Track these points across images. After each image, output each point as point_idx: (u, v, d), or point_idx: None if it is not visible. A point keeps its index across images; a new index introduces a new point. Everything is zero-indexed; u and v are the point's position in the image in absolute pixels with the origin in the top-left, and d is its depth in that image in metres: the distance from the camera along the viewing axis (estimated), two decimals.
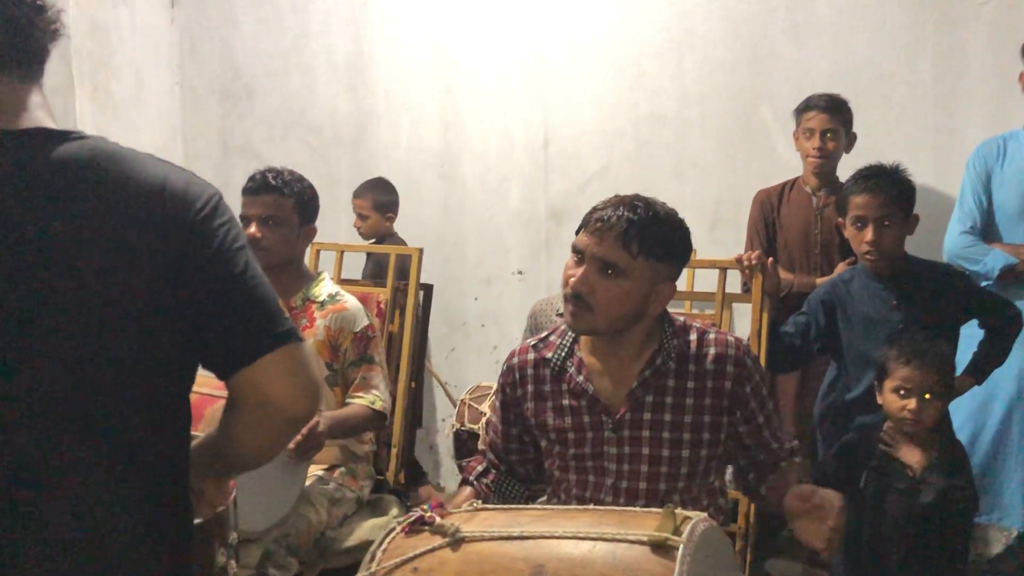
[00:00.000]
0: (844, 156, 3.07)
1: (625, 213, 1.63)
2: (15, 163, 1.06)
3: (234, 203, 4.45)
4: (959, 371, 2.34)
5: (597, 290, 1.63)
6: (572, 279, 1.65)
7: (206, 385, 2.01)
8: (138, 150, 1.13)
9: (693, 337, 1.73)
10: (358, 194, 3.91)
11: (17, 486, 1.04)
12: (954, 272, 2.51)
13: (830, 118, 2.99)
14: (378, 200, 3.87)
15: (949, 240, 2.84)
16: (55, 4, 1.17)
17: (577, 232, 1.69)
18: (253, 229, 2.27)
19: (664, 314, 1.74)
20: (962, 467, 2.08)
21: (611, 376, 1.72)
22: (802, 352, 2.45)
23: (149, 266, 1.07)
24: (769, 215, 3.14)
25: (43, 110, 1.14)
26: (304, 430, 2.00)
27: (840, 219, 2.40)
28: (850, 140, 3.07)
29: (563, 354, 1.77)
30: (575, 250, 1.67)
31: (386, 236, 3.87)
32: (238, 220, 1.18)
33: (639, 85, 3.74)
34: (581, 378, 1.73)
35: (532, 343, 1.83)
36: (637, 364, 1.70)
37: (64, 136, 1.09)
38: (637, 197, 1.68)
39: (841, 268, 2.98)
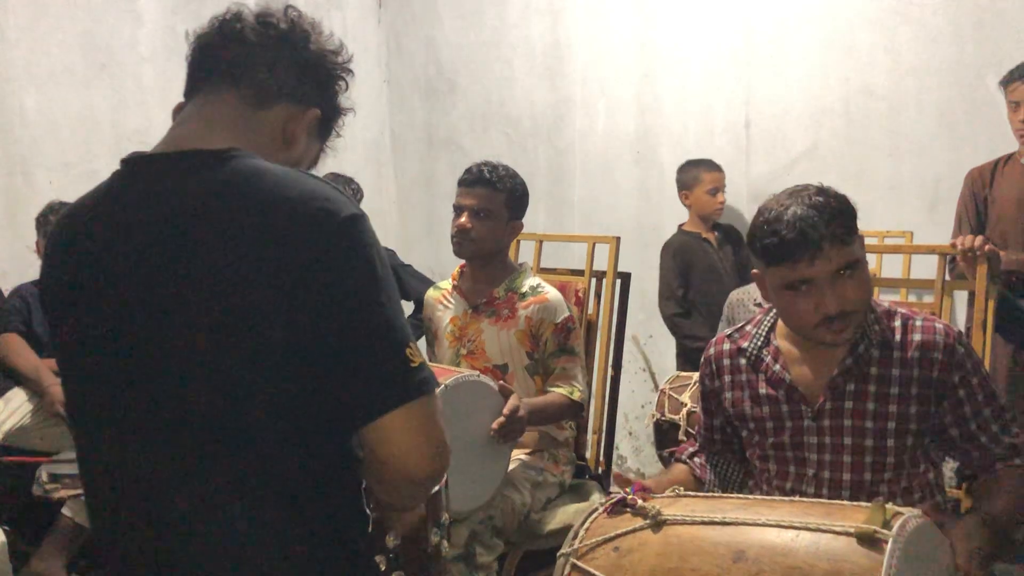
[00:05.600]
0: None
1: (811, 212, 1.54)
2: (152, 188, 1.07)
3: (438, 193, 4.61)
4: None
5: (848, 295, 1.57)
6: (824, 306, 1.55)
7: None
8: (284, 167, 1.08)
9: (898, 323, 1.66)
10: (716, 169, 3.66)
11: (158, 517, 1.06)
12: None
13: None
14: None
15: None
16: (330, 48, 1.21)
17: (771, 260, 1.57)
18: (464, 219, 2.37)
19: None
20: None
21: (810, 364, 1.68)
22: None
23: (279, 289, 0.99)
24: (980, 192, 2.97)
25: (242, 133, 1.13)
26: (506, 411, 2.08)
27: None
28: None
29: (759, 343, 1.74)
30: (799, 282, 1.56)
31: None
32: (380, 248, 1.06)
33: (849, 58, 3.55)
34: (778, 367, 1.70)
35: (728, 333, 1.82)
36: (838, 352, 1.65)
37: (215, 157, 1.06)
38: (812, 192, 1.58)
39: None
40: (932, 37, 3.36)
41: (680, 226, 3.72)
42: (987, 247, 2.14)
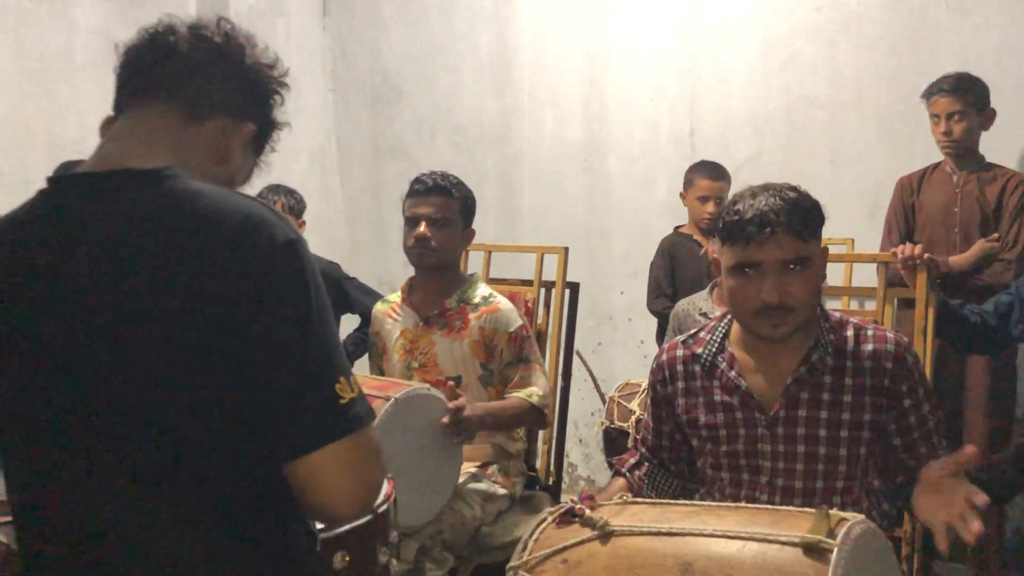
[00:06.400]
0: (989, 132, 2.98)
1: (776, 201, 1.58)
2: (83, 210, 1.02)
3: (386, 202, 4.55)
4: None
5: (791, 289, 1.60)
6: (765, 293, 1.58)
7: (363, 385, 2.11)
8: (219, 187, 1.04)
9: (850, 333, 1.69)
10: (715, 177, 3.44)
11: (94, 543, 1.02)
12: None
13: (953, 100, 2.92)
14: (730, 182, 3.48)
15: None
16: (261, 57, 1.17)
17: (727, 238, 1.61)
18: (423, 228, 2.34)
19: (821, 309, 1.71)
20: None
21: (764, 372, 1.69)
22: (996, 335, 2.28)
23: (215, 315, 0.96)
24: (909, 199, 3.09)
25: (175, 149, 1.09)
26: (451, 404, 2.05)
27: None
28: (987, 117, 2.96)
29: (713, 350, 1.75)
30: (748, 265, 1.60)
31: None
32: (317, 275, 1.02)
33: (790, 68, 3.62)
34: (733, 374, 1.71)
35: (681, 339, 1.82)
36: (792, 360, 1.67)
37: (148, 177, 1.02)
38: (785, 187, 1.63)
39: (980, 246, 2.90)
40: (870, 47, 3.44)
41: (677, 227, 3.66)
42: (926, 255, 2.19)
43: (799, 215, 1.59)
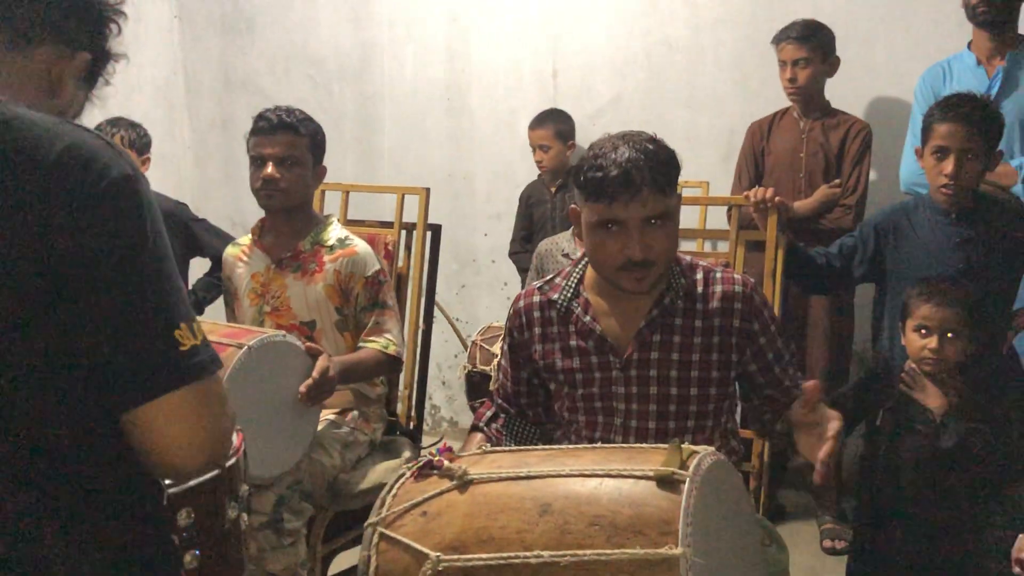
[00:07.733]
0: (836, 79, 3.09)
1: (639, 156, 1.57)
2: None
3: (236, 138, 4.33)
4: None
5: (654, 244, 1.60)
6: (629, 249, 1.59)
7: (214, 332, 2.01)
8: (48, 116, 0.95)
9: (700, 276, 1.73)
10: (535, 125, 3.59)
11: None
12: None
13: (799, 47, 3.00)
14: (559, 128, 3.54)
15: (906, 170, 2.78)
16: None
17: (590, 195, 1.59)
18: (270, 170, 2.23)
19: None
20: (989, 413, 1.98)
21: (618, 316, 1.72)
22: (840, 275, 2.39)
23: (38, 255, 0.88)
24: (758, 144, 3.18)
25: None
26: (315, 373, 2.00)
27: (917, 147, 2.31)
28: (831, 64, 3.07)
29: (569, 295, 1.76)
30: (611, 222, 1.59)
31: (567, 167, 3.51)
32: (155, 213, 0.96)
33: (651, 11, 3.63)
34: (588, 318, 1.72)
35: (538, 286, 1.82)
36: (645, 303, 1.70)
37: None
38: (644, 138, 1.63)
39: (822, 192, 3.01)
40: None
41: (539, 174, 3.69)
42: (777, 199, 2.26)
43: (661, 171, 1.59)
